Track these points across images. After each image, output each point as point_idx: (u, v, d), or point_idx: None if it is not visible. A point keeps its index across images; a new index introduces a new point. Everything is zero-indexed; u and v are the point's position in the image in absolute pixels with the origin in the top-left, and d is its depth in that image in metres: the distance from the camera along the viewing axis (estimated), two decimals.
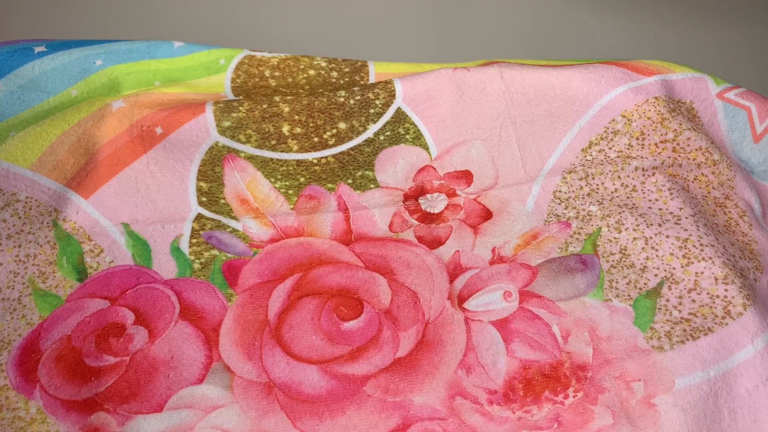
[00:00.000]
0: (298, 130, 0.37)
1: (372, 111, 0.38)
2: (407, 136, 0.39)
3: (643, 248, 0.34)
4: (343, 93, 0.38)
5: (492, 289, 0.34)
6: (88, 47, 0.39)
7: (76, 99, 0.39)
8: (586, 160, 0.38)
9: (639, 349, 0.31)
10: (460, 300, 0.33)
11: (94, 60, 0.39)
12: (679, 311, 0.32)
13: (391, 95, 0.38)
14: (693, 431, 0.29)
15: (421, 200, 0.38)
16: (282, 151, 0.37)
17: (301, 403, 0.30)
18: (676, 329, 0.31)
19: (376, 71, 0.41)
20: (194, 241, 0.35)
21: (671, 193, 0.36)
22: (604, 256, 0.34)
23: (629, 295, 0.33)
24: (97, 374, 0.30)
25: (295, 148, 0.38)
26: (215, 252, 0.35)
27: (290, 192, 0.37)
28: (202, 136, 0.36)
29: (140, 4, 0.57)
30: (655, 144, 0.38)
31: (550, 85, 0.38)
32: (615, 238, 0.35)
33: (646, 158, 0.37)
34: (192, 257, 0.35)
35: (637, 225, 0.35)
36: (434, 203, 0.37)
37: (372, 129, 0.38)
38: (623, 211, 0.36)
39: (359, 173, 0.38)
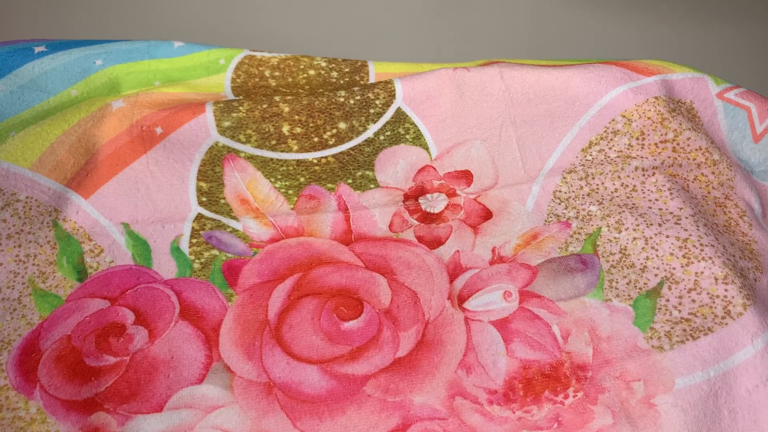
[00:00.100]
0: (298, 130, 0.38)
1: (372, 111, 0.38)
2: (407, 136, 0.39)
3: (643, 248, 0.34)
4: (343, 93, 0.38)
5: (492, 289, 0.34)
6: (88, 47, 0.39)
7: (76, 99, 0.39)
8: (586, 160, 0.38)
9: (639, 349, 0.31)
10: (460, 300, 0.33)
11: (94, 60, 0.39)
12: (679, 311, 0.32)
13: (391, 95, 0.38)
14: (693, 431, 0.29)
15: (421, 200, 0.38)
16: (282, 151, 0.37)
17: (301, 403, 0.30)
18: (676, 329, 0.31)
19: (376, 71, 0.41)
20: (194, 241, 0.35)
21: (671, 193, 0.36)
22: (604, 256, 0.34)
23: (629, 295, 0.33)
24: (97, 374, 0.30)
25: (295, 148, 0.38)
26: (215, 252, 0.35)
27: (290, 192, 0.37)
28: (202, 136, 0.36)
29: (140, 4, 0.57)
30: (655, 144, 0.38)
31: (550, 85, 0.38)
32: (615, 238, 0.35)
33: (646, 158, 0.37)
34: (192, 257, 0.35)
35: (637, 225, 0.35)
36: (434, 203, 0.37)
37: (372, 129, 0.38)
38: (623, 211, 0.36)
39: (359, 173, 0.38)
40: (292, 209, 0.37)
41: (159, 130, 0.36)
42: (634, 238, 0.35)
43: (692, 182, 0.37)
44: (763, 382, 0.30)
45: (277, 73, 0.40)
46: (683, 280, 0.33)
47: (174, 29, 0.56)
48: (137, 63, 0.39)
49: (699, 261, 0.33)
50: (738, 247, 0.35)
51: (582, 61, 0.41)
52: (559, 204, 0.37)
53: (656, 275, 0.33)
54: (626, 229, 0.35)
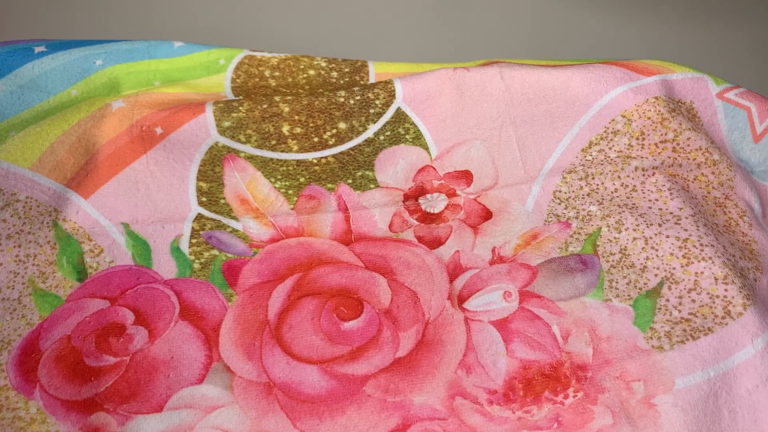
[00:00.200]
0: (298, 130, 0.37)
1: (372, 111, 0.38)
2: (407, 136, 0.39)
3: (643, 248, 0.34)
4: (343, 93, 0.38)
5: (492, 289, 0.34)
6: (88, 47, 0.39)
7: (76, 99, 0.39)
8: (586, 160, 0.38)
9: (639, 349, 0.31)
10: (460, 300, 0.33)
11: (94, 60, 0.39)
12: (679, 311, 0.32)
13: (391, 95, 0.38)
14: (693, 431, 0.29)
15: (421, 200, 0.38)
16: (282, 151, 0.37)
17: (301, 403, 0.30)
18: (676, 329, 0.31)
19: (376, 71, 0.41)
20: (194, 241, 0.35)
21: (671, 193, 0.36)
22: (604, 256, 0.34)
23: (629, 295, 0.33)
24: (97, 374, 0.30)
25: (295, 148, 0.38)
26: (215, 252, 0.35)
27: (290, 192, 0.37)
28: (202, 136, 0.36)
29: (140, 4, 0.57)
30: (655, 144, 0.38)
31: (550, 85, 0.38)
32: (615, 238, 0.35)
33: (646, 158, 0.37)
34: (192, 257, 0.35)
35: (637, 225, 0.35)
36: (434, 203, 0.37)
37: (372, 129, 0.38)
38: (623, 211, 0.36)
39: (359, 173, 0.38)
40: (292, 209, 0.37)
41: (159, 130, 0.36)
42: (634, 238, 0.35)
43: (692, 182, 0.37)
44: (763, 382, 0.30)
45: (277, 73, 0.40)
46: (683, 280, 0.33)
47: (174, 29, 0.56)
48: (137, 63, 0.39)
49: (699, 261, 0.33)
50: (738, 247, 0.35)
51: (582, 61, 0.41)
52: (559, 204, 0.37)
53: (656, 275, 0.33)
54: (626, 229, 0.35)
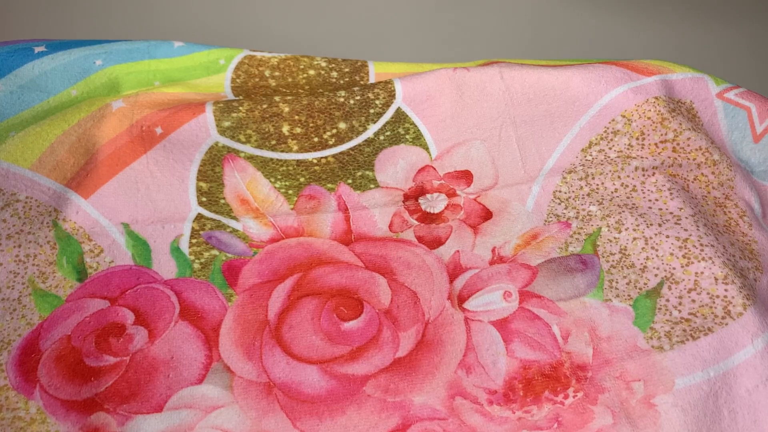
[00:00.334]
0: (298, 130, 0.37)
1: (372, 111, 0.38)
2: (407, 136, 0.39)
3: (643, 248, 0.34)
4: (343, 93, 0.38)
5: (492, 289, 0.34)
6: (88, 47, 0.39)
7: (76, 99, 0.39)
8: (586, 160, 0.38)
9: (639, 349, 0.31)
10: (460, 300, 0.33)
11: (94, 60, 0.39)
12: (679, 311, 0.32)
13: (391, 95, 0.38)
14: (693, 431, 0.29)
15: (421, 200, 0.38)
16: (282, 151, 0.37)
17: (301, 403, 0.30)
18: (676, 329, 0.31)
19: (376, 71, 0.41)
20: (194, 241, 0.35)
21: (671, 193, 0.36)
22: (604, 256, 0.34)
23: (629, 295, 0.33)
24: (97, 374, 0.30)
25: (295, 148, 0.38)
26: (215, 252, 0.35)
27: (290, 192, 0.37)
28: (202, 136, 0.36)
29: (140, 4, 0.57)
30: (655, 144, 0.38)
31: (550, 85, 0.38)
32: (615, 238, 0.35)
33: (646, 158, 0.37)
34: (192, 257, 0.35)
35: (637, 225, 0.35)
36: (434, 203, 0.37)
37: (372, 129, 0.38)
38: (623, 211, 0.36)
39: (359, 173, 0.38)
40: (292, 209, 0.37)
41: (159, 130, 0.36)
42: (634, 238, 0.35)
43: (692, 182, 0.37)
44: (763, 382, 0.30)
45: (277, 73, 0.40)
46: (683, 280, 0.33)
47: (174, 29, 0.56)
48: (137, 63, 0.39)
49: (699, 261, 0.33)
50: (738, 247, 0.35)
51: (582, 61, 0.41)
52: (559, 204, 0.37)
53: (656, 275, 0.33)
54: (626, 229, 0.35)
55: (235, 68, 0.40)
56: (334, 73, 0.41)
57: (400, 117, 0.38)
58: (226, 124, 0.36)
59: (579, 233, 0.36)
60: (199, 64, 0.40)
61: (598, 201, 0.37)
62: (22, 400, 0.29)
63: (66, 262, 0.34)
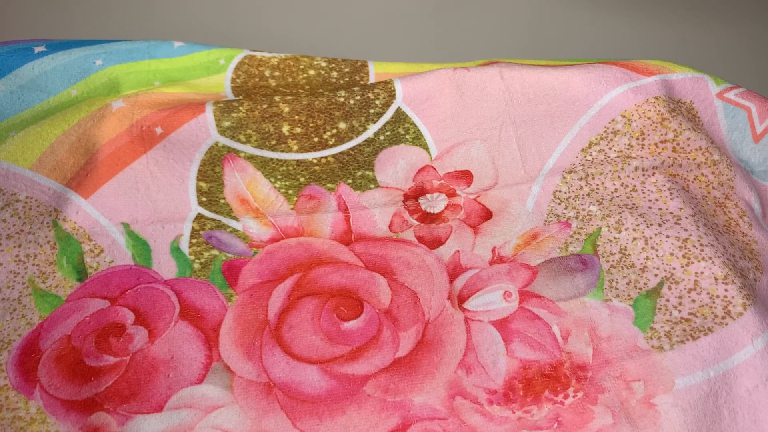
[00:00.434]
0: (298, 130, 0.38)
1: (372, 111, 0.38)
2: (407, 136, 0.39)
3: (643, 248, 0.34)
4: (343, 93, 0.38)
5: (492, 289, 0.34)
6: (88, 47, 0.39)
7: (76, 99, 0.39)
8: (586, 160, 0.38)
9: (639, 349, 0.31)
10: (460, 300, 0.33)
11: (94, 60, 0.39)
12: (679, 311, 0.32)
13: (391, 95, 0.38)
14: (693, 431, 0.29)
15: (421, 200, 0.38)
16: (282, 151, 0.37)
17: (301, 403, 0.30)
18: (676, 329, 0.31)
19: (376, 71, 0.41)
20: (194, 241, 0.35)
21: (671, 193, 0.36)
22: (604, 256, 0.34)
23: (629, 295, 0.33)
24: (97, 374, 0.30)
25: (295, 148, 0.38)
26: (215, 252, 0.35)
27: (290, 192, 0.37)
28: (202, 136, 0.36)
29: (140, 4, 0.57)
30: (655, 144, 0.38)
31: (550, 85, 0.38)
32: (615, 238, 0.35)
33: (646, 158, 0.37)
34: (192, 257, 0.35)
35: (637, 225, 0.35)
36: (434, 203, 0.37)
37: (372, 129, 0.38)
38: (623, 211, 0.36)
39: (359, 173, 0.38)
40: (292, 209, 0.37)
41: (159, 130, 0.36)
42: (634, 238, 0.35)
43: (692, 182, 0.37)
44: (763, 382, 0.30)
45: (277, 73, 0.40)
46: (683, 280, 0.33)
47: (174, 29, 0.56)
48: (137, 63, 0.39)
49: (699, 261, 0.33)
50: (738, 247, 0.35)
51: (582, 61, 0.41)
52: (559, 204, 0.37)
53: (656, 275, 0.33)
54: (626, 229, 0.35)
55: (235, 68, 0.40)
56: (334, 73, 0.41)
57: (400, 117, 0.38)
58: (226, 124, 0.36)
59: (579, 233, 0.36)
60: (199, 64, 0.40)
61: (598, 201, 0.37)
62: (22, 400, 0.29)
63: (66, 262, 0.34)
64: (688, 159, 0.38)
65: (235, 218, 0.36)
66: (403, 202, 0.37)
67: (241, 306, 0.33)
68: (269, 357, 0.31)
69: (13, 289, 0.33)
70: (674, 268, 0.33)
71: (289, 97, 0.38)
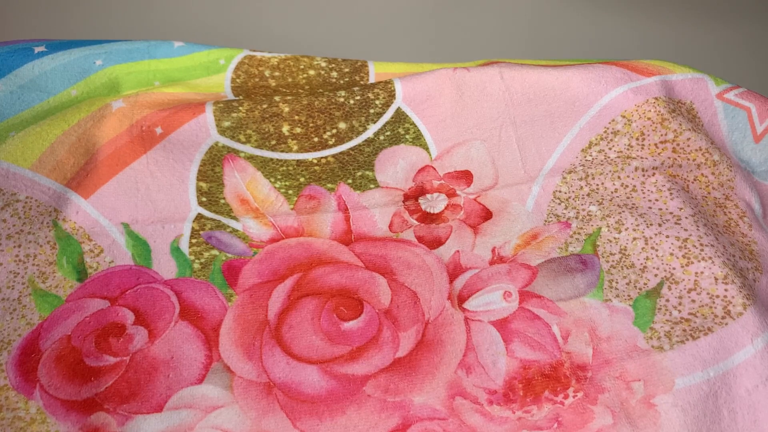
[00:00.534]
0: (298, 130, 0.38)
1: (372, 111, 0.38)
2: (407, 136, 0.39)
3: (642, 248, 0.34)
4: (343, 93, 0.38)
5: (492, 289, 0.34)
6: (88, 47, 0.39)
7: (76, 99, 0.39)
8: (586, 160, 0.38)
9: (639, 349, 0.31)
10: (460, 300, 0.33)
11: (94, 60, 0.39)
12: (679, 311, 0.32)
13: (391, 95, 0.38)
14: (693, 431, 0.29)
15: (421, 200, 0.38)
16: (282, 151, 0.37)
17: (301, 403, 0.30)
18: (676, 329, 0.31)
19: (376, 71, 0.41)
20: (194, 241, 0.35)
21: (671, 194, 0.36)
22: (604, 256, 0.35)
23: (629, 295, 0.33)
24: (97, 374, 0.30)
25: (295, 148, 0.38)
26: (215, 252, 0.35)
27: (290, 192, 0.37)
28: (202, 136, 0.36)
29: (140, 4, 0.57)
30: (655, 144, 0.38)
31: (550, 85, 0.38)
32: (615, 238, 0.35)
33: (646, 158, 0.37)
34: (192, 257, 0.35)
35: (637, 225, 0.35)
36: (434, 203, 0.37)
37: (372, 129, 0.38)
38: (623, 211, 0.36)
39: (359, 173, 0.38)
40: (292, 209, 0.37)
41: (159, 130, 0.36)
42: (634, 239, 0.35)
43: (692, 183, 0.37)
44: (762, 382, 0.30)
45: (277, 73, 0.40)
46: (683, 280, 0.33)
47: (174, 29, 0.56)
48: (137, 63, 0.39)
49: (699, 261, 0.33)
50: (738, 247, 0.35)
51: (582, 61, 0.41)
52: (559, 204, 0.37)
53: (656, 275, 0.33)
54: (626, 230, 0.35)
55: (235, 68, 0.40)
56: (334, 73, 0.41)
57: (400, 117, 0.38)
58: (226, 124, 0.36)
59: (579, 233, 0.36)
60: (199, 64, 0.40)
61: (598, 201, 0.37)
62: (22, 400, 0.29)
63: (66, 262, 0.34)
64: (688, 159, 0.38)
65: (235, 218, 0.36)
66: (403, 202, 0.37)
67: (241, 306, 0.33)
68: (269, 357, 0.31)
69: (13, 289, 0.33)
70: (674, 268, 0.33)
71: (289, 97, 0.38)
